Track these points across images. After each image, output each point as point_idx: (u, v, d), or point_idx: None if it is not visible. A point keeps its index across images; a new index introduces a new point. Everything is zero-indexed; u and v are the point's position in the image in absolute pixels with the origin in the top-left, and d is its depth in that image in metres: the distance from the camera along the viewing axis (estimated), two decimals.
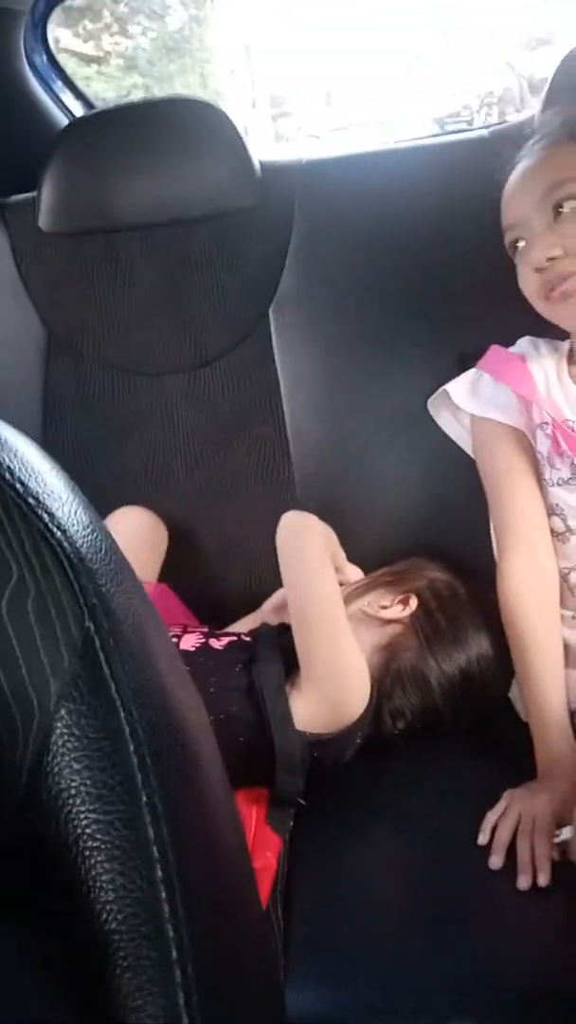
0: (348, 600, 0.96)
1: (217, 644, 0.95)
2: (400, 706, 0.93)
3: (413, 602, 0.96)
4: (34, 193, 1.16)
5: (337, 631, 0.89)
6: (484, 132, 1.11)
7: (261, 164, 1.14)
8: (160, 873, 0.31)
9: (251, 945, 0.36)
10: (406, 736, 0.93)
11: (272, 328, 1.11)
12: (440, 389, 1.04)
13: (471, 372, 1.02)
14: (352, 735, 0.89)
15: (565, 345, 0.98)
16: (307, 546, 0.95)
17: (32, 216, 1.17)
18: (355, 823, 0.86)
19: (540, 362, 0.98)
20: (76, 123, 1.26)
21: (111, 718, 0.33)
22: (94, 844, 0.31)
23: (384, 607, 0.96)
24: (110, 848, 0.31)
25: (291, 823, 0.86)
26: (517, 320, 0.97)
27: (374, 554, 1.05)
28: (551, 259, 0.87)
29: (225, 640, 0.96)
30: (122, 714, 0.33)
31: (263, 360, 1.11)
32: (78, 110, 1.43)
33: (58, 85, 1.44)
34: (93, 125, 1.21)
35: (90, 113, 1.32)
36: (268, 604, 1.09)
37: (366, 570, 1.04)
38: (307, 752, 0.86)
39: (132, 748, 0.33)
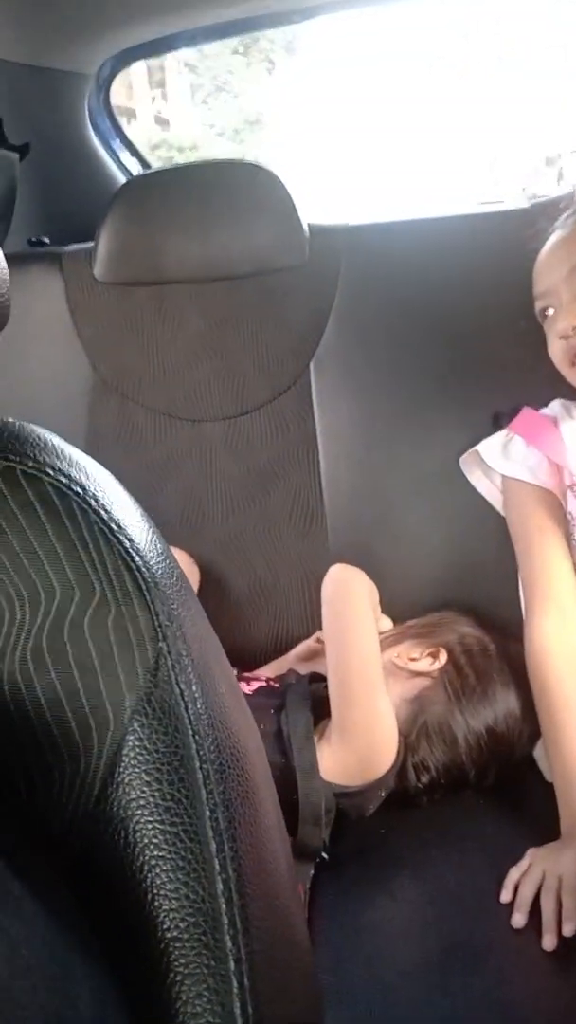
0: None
1: (247, 688, 0.96)
2: (425, 760, 0.93)
3: (443, 656, 0.97)
4: (91, 244, 1.22)
5: (376, 691, 0.89)
6: (526, 205, 1.16)
7: (309, 226, 1.19)
8: (221, 886, 0.33)
9: (297, 962, 0.37)
10: (429, 791, 0.93)
11: (312, 382, 1.15)
12: (472, 449, 1.06)
13: (503, 433, 1.05)
14: (377, 790, 0.89)
15: None
16: (353, 603, 0.96)
17: (87, 265, 1.22)
18: (376, 875, 0.86)
19: (571, 424, 1.01)
20: (133, 181, 1.33)
21: (180, 734, 0.35)
22: (160, 854, 0.33)
23: (414, 659, 0.97)
24: (175, 859, 0.33)
25: (312, 872, 0.86)
26: (547, 385, 1.00)
27: (403, 607, 1.07)
28: None
29: (255, 684, 0.97)
30: (190, 731, 0.35)
31: (302, 412, 1.15)
32: (135, 168, 1.50)
33: (117, 144, 1.52)
34: (149, 184, 1.27)
35: (146, 172, 1.38)
36: (295, 653, 1.11)
37: (395, 622, 1.06)
38: (332, 804, 0.86)
39: (198, 764, 0.34)
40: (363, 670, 0.90)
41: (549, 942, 0.74)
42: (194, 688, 0.36)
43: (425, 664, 0.96)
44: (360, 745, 0.88)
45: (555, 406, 1.05)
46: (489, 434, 1.07)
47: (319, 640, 1.08)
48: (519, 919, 0.76)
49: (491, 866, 0.83)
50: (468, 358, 1.12)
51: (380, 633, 1.02)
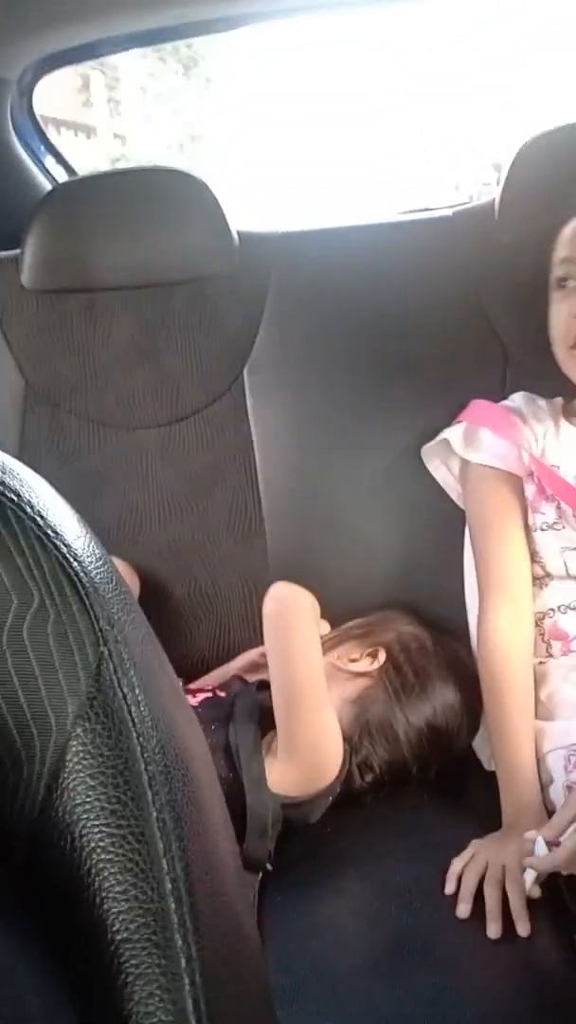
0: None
1: (193, 700, 0.96)
2: (368, 759, 0.94)
3: (382, 655, 0.98)
4: (18, 251, 1.20)
5: (321, 706, 0.90)
6: (448, 212, 1.19)
7: (239, 233, 1.19)
8: (169, 885, 0.33)
9: (248, 960, 0.37)
10: (374, 789, 0.94)
11: (247, 388, 1.15)
12: (441, 437, 1.07)
13: (465, 424, 1.05)
14: (324, 799, 0.90)
15: (559, 400, 1.04)
16: (296, 620, 0.95)
17: (15, 272, 1.20)
18: (322, 875, 0.87)
19: (537, 413, 1.03)
20: (59, 188, 1.32)
21: (124, 738, 0.35)
22: (107, 857, 0.33)
23: (354, 660, 0.98)
24: (123, 860, 0.33)
25: (259, 880, 0.86)
26: (476, 391, 1.03)
27: (344, 608, 1.08)
28: None
29: (201, 696, 0.97)
30: (134, 734, 0.35)
31: (237, 418, 1.15)
32: (61, 175, 1.49)
33: (41, 151, 1.50)
34: (76, 191, 1.26)
35: (73, 179, 1.37)
36: (240, 661, 1.10)
37: (336, 623, 1.06)
38: (279, 816, 0.87)
39: (143, 766, 0.34)
40: (308, 687, 0.90)
41: (494, 931, 0.75)
42: (137, 691, 0.36)
43: (365, 664, 0.97)
44: (306, 760, 0.89)
45: (517, 398, 1.07)
46: (421, 435, 1.09)
47: (263, 656, 1.08)
48: (463, 909, 0.78)
49: (436, 859, 0.84)
50: (399, 362, 1.15)
51: (320, 637, 1.03)
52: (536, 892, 0.77)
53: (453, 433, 1.05)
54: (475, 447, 1.04)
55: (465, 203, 1.23)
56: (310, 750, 0.89)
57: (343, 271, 1.18)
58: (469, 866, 0.81)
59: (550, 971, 0.74)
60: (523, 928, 0.75)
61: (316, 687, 0.90)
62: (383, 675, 0.97)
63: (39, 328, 1.21)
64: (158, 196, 1.19)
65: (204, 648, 1.14)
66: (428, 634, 1.02)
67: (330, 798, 0.90)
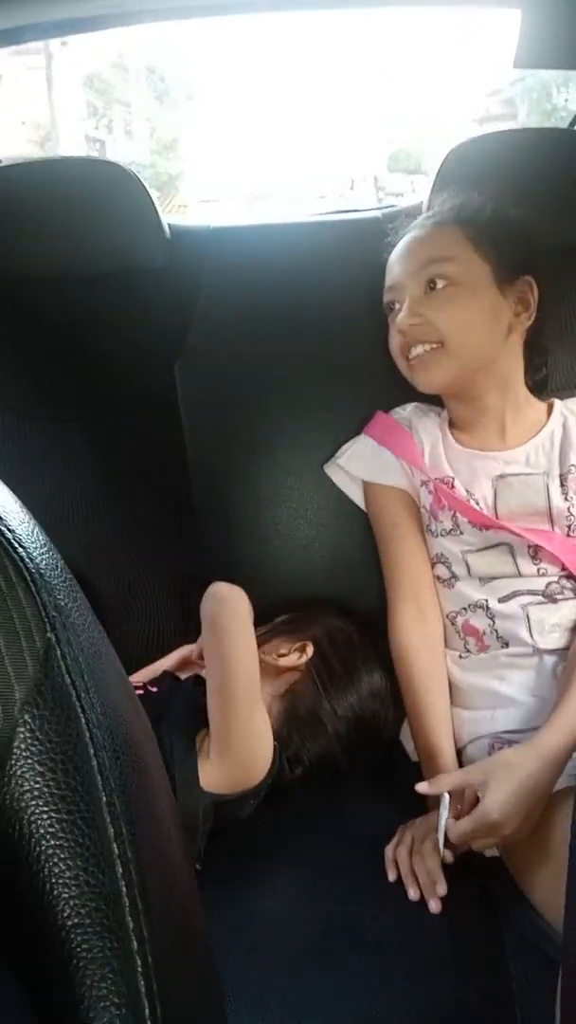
0: None
1: None
2: (298, 752, 0.95)
3: (310, 649, 0.99)
4: None
5: (255, 707, 0.90)
6: (378, 213, 1.21)
7: (170, 227, 1.19)
8: (120, 869, 0.33)
9: (196, 942, 0.37)
10: (303, 781, 0.95)
11: (178, 382, 1.15)
12: (334, 456, 1.11)
13: (360, 438, 1.10)
14: (253, 796, 0.90)
15: (446, 412, 1.07)
16: (236, 622, 0.94)
17: None
18: (253, 868, 0.88)
19: (425, 424, 1.07)
20: None
21: (72, 723, 0.34)
22: (56, 843, 0.33)
23: (282, 655, 0.99)
24: (73, 846, 0.33)
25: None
26: (403, 383, 1.05)
27: (274, 603, 1.08)
28: (413, 325, 0.97)
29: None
30: (82, 720, 0.35)
31: (168, 413, 1.15)
32: None
33: None
34: (2, 178, 1.23)
35: None
36: (173, 657, 1.09)
37: (265, 618, 1.07)
38: (210, 815, 0.87)
39: (92, 752, 0.34)
40: (245, 688, 0.89)
41: (413, 893, 0.80)
42: (85, 678, 0.36)
43: (293, 659, 0.98)
44: (239, 760, 0.89)
45: (410, 408, 1.10)
46: (352, 432, 1.11)
47: (194, 653, 1.07)
48: (391, 875, 0.82)
49: (365, 846, 0.87)
50: (328, 360, 1.16)
51: None
52: (448, 857, 0.81)
53: (347, 448, 1.11)
54: (366, 462, 1.08)
55: (393, 207, 1.25)
56: (243, 750, 0.89)
57: (274, 267, 1.18)
58: (399, 848, 0.84)
59: (478, 953, 0.76)
60: (440, 888, 0.79)
61: (252, 689, 0.90)
62: (311, 669, 0.98)
63: None
64: (87, 187, 1.17)
65: (133, 644, 1.13)
66: (355, 627, 1.04)
67: (261, 794, 0.91)
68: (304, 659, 0.99)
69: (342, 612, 1.07)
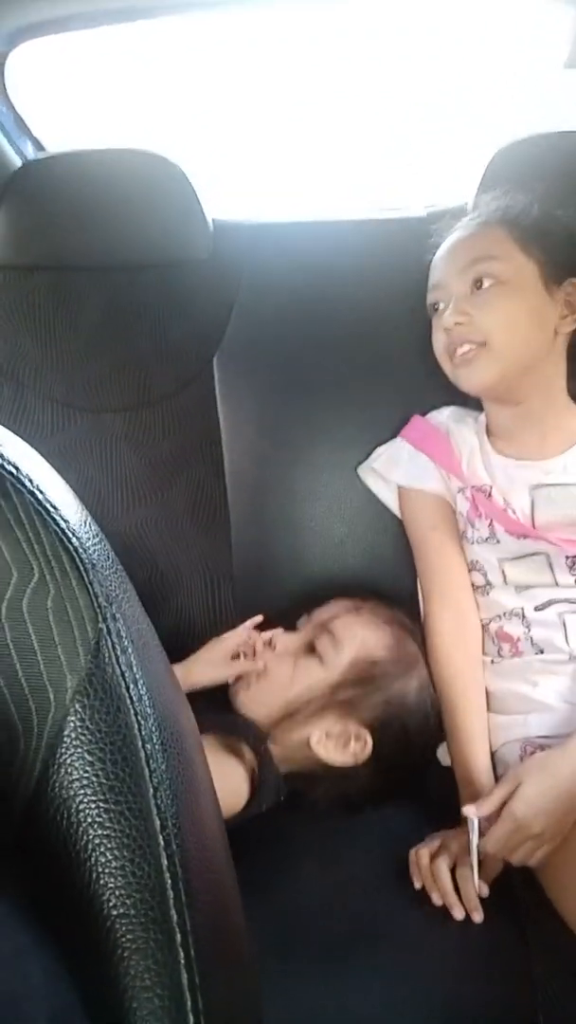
0: (297, 724, 0.94)
1: None
2: (328, 791, 0.93)
3: (368, 744, 0.93)
4: None
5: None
6: (422, 213, 1.20)
7: (214, 221, 1.19)
8: (166, 862, 0.33)
9: (236, 934, 0.37)
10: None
11: (216, 376, 1.15)
12: (368, 460, 1.10)
13: (396, 441, 1.09)
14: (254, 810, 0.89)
15: (483, 416, 1.06)
16: None
17: None
18: (282, 864, 0.87)
19: (462, 430, 1.05)
20: (30, 165, 1.28)
21: (121, 714, 0.35)
22: (104, 832, 0.33)
23: (336, 745, 0.93)
24: (120, 836, 0.33)
25: None
26: (442, 388, 1.04)
27: (302, 599, 1.08)
28: (458, 323, 0.95)
29: None
30: (132, 711, 0.35)
31: (205, 406, 1.15)
32: (30, 152, 1.45)
33: (12, 125, 1.46)
34: (47, 168, 1.24)
35: (44, 156, 1.34)
36: (205, 652, 1.03)
37: (293, 616, 1.05)
38: None
39: (140, 743, 0.34)
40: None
41: (458, 913, 0.79)
42: (135, 669, 0.36)
43: (350, 756, 0.93)
44: None
45: (447, 412, 1.09)
46: (388, 433, 1.10)
47: (223, 643, 1.02)
48: (436, 898, 0.81)
49: (394, 850, 0.86)
50: (369, 359, 1.15)
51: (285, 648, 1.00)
52: (484, 891, 0.80)
53: (381, 452, 1.10)
54: (399, 465, 1.07)
55: (438, 206, 1.24)
56: None
57: (316, 265, 1.18)
58: (422, 852, 0.84)
59: (503, 955, 0.76)
60: (477, 916, 0.78)
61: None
62: (370, 762, 0.93)
63: (5, 305, 1.18)
64: (132, 178, 1.18)
65: (164, 636, 1.12)
66: (404, 632, 1.00)
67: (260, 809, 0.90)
68: (362, 757, 0.92)
69: (389, 621, 1.01)
